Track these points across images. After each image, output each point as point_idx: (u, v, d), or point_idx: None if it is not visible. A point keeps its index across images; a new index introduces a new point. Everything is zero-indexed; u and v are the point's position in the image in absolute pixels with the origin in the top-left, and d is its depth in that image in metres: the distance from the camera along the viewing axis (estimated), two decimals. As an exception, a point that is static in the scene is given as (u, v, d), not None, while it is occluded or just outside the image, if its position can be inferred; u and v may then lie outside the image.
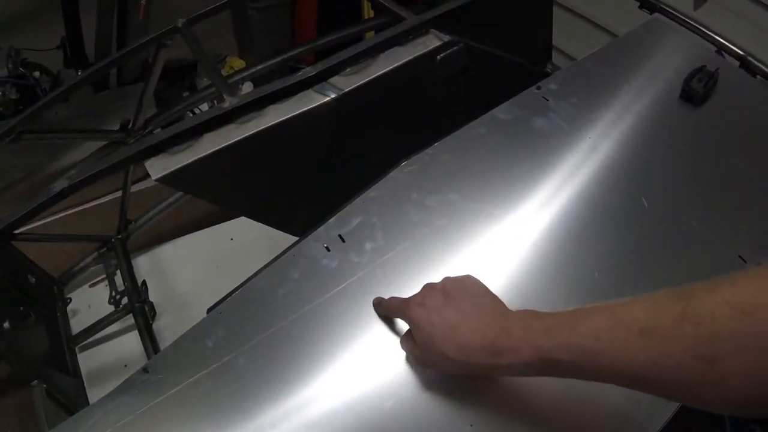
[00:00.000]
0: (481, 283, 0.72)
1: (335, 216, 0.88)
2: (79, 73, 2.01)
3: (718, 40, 1.29)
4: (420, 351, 0.71)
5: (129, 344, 1.57)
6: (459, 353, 0.65)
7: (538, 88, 1.07)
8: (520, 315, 0.65)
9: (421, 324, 0.68)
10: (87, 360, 1.51)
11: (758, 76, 1.25)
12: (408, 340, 0.74)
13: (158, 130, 1.54)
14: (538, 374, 0.62)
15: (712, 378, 0.49)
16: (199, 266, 1.75)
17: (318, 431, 0.70)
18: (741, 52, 1.28)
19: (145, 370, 0.75)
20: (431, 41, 1.19)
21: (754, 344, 0.46)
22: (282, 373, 0.74)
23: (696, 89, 1.08)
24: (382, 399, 0.73)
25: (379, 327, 0.78)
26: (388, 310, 0.77)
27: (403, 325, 0.77)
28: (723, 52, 1.29)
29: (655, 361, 0.52)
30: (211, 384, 0.73)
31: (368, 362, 0.75)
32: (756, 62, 1.26)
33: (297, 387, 0.73)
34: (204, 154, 1.01)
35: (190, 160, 1.01)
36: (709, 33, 1.30)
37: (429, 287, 0.72)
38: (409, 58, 1.16)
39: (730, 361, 0.48)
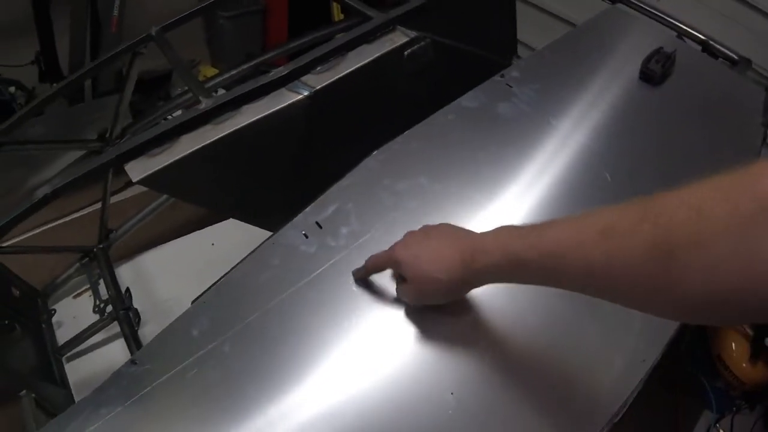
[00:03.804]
0: (456, 225, 0.76)
1: (312, 204, 0.91)
2: (53, 86, 2.01)
3: (680, 27, 1.34)
4: (412, 287, 0.75)
5: (115, 352, 1.56)
6: (445, 273, 0.70)
7: (502, 75, 1.11)
8: (495, 229, 0.69)
9: (407, 259, 0.73)
10: (75, 370, 1.51)
11: (720, 59, 1.29)
12: (399, 285, 0.78)
13: (137, 135, 1.56)
14: (510, 277, 0.66)
15: (671, 275, 0.50)
16: (181, 272, 1.75)
17: (302, 411, 0.72)
18: (703, 37, 1.32)
19: (133, 361, 0.77)
20: (398, 38, 1.23)
21: (712, 243, 0.47)
22: (266, 357, 0.76)
23: (654, 70, 1.13)
24: (363, 375, 0.75)
25: (359, 307, 0.81)
26: (373, 266, 0.80)
27: (382, 301, 0.81)
28: (684, 38, 1.33)
29: (614, 257, 0.54)
30: (198, 371, 0.75)
31: (348, 341, 0.78)
32: (718, 45, 1.31)
33: (280, 370, 0.75)
34: (182, 154, 1.03)
35: (169, 161, 1.02)
36: (671, 20, 1.34)
37: (409, 233, 0.78)
38: (378, 54, 1.19)
39: (687, 253, 0.49)
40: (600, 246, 0.55)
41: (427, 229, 0.76)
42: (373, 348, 0.78)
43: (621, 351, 0.80)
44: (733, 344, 1.85)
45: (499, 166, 0.98)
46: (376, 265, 0.80)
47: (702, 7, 1.98)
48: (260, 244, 0.88)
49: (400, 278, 0.78)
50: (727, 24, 1.93)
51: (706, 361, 1.94)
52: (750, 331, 1.83)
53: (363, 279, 0.82)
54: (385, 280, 0.82)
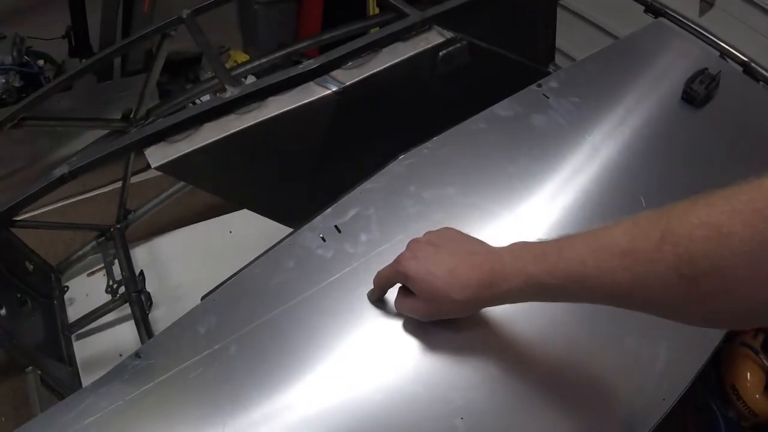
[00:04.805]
0: (460, 231, 0.75)
1: (332, 207, 0.88)
2: (83, 62, 2.01)
3: (722, 46, 1.30)
4: (422, 303, 0.72)
5: (125, 334, 1.56)
6: (461, 293, 0.67)
7: (539, 85, 1.07)
8: (510, 247, 0.68)
9: (419, 275, 0.70)
10: (83, 348, 1.51)
11: (761, 82, 1.25)
12: (405, 299, 0.75)
13: (159, 119, 1.55)
14: (532, 299, 0.65)
15: (696, 295, 0.51)
16: (197, 258, 1.74)
17: (305, 422, 0.70)
18: (745, 58, 1.28)
19: (137, 355, 0.75)
20: (434, 38, 1.20)
21: (733, 267, 0.48)
22: (272, 363, 0.74)
23: (697, 91, 1.09)
24: (372, 392, 0.72)
25: (371, 319, 0.78)
26: (381, 282, 0.77)
27: (396, 316, 0.77)
28: (726, 58, 1.30)
29: (639, 281, 0.55)
30: (202, 371, 0.73)
31: (358, 355, 0.75)
32: (759, 68, 1.27)
33: (286, 377, 0.73)
34: (203, 143, 1.01)
35: (189, 149, 1.01)
36: (713, 38, 1.30)
37: (414, 242, 0.74)
38: (411, 53, 1.16)
39: (711, 279, 0.50)
40: (622, 272, 0.55)
41: (433, 239, 0.73)
42: (381, 365, 0.75)
43: (641, 389, 0.77)
44: (748, 374, 1.79)
45: (530, 182, 0.94)
46: (383, 282, 0.77)
47: (743, 26, 1.93)
48: (276, 244, 0.85)
49: (404, 291, 0.75)
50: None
51: (719, 389, 1.88)
52: (766, 363, 1.77)
53: (380, 300, 0.79)
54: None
